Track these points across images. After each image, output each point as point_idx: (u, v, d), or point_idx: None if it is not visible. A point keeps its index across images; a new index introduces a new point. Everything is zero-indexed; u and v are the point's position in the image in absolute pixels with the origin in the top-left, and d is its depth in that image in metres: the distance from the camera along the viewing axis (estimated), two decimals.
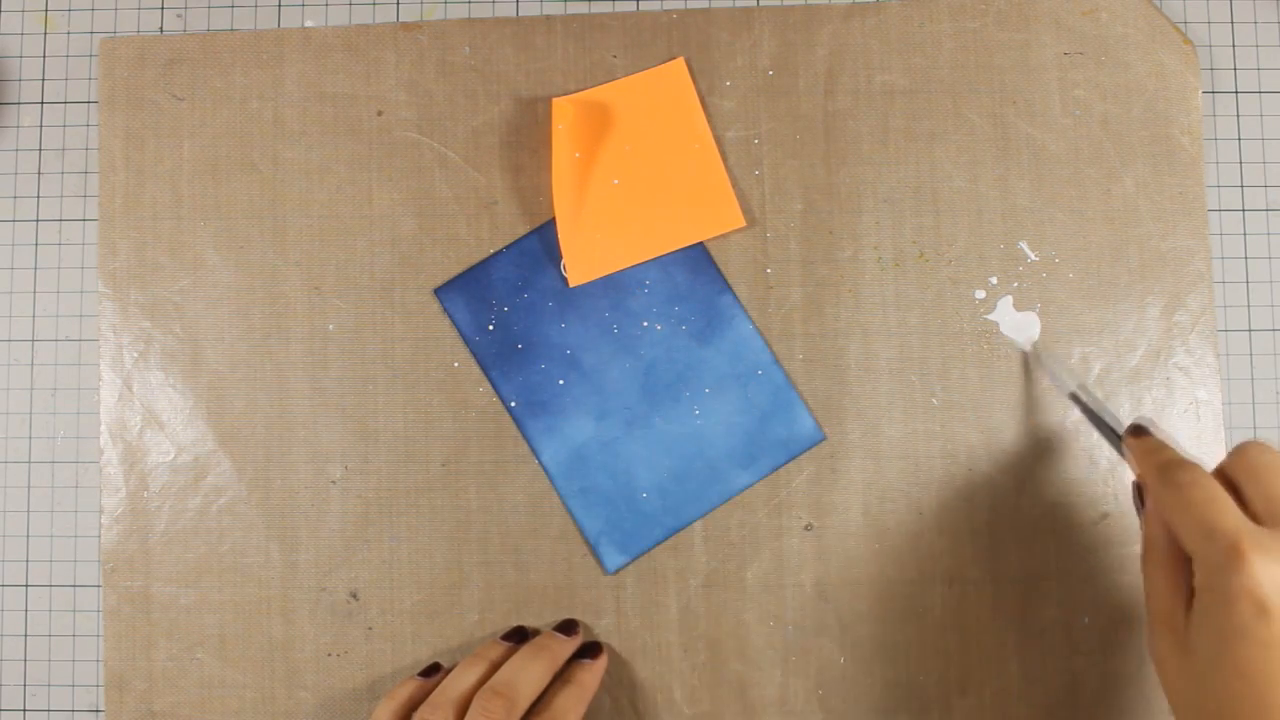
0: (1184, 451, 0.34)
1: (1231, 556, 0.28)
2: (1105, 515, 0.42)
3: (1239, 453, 0.32)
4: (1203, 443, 0.43)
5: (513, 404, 0.43)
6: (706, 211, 0.43)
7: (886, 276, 0.43)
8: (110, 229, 0.44)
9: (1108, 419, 0.39)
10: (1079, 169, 0.43)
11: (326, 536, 0.43)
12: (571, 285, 0.43)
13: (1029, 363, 0.42)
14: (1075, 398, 0.40)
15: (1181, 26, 0.45)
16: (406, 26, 0.45)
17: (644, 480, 0.43)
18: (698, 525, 0.43)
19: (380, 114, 0.44)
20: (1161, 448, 0.34)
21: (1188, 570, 0.31)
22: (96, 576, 0.44)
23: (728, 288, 0.43)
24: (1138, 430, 0.36)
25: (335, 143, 0.44)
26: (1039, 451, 0.43)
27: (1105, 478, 0.43)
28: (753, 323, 0.43)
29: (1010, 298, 0.43)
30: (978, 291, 0.43)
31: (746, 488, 0.43)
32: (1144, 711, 0.42)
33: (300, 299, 0.44)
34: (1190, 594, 0.30)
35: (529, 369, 0.43)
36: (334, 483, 0.43)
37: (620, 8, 0.45)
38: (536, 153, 0.44)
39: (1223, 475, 0.32)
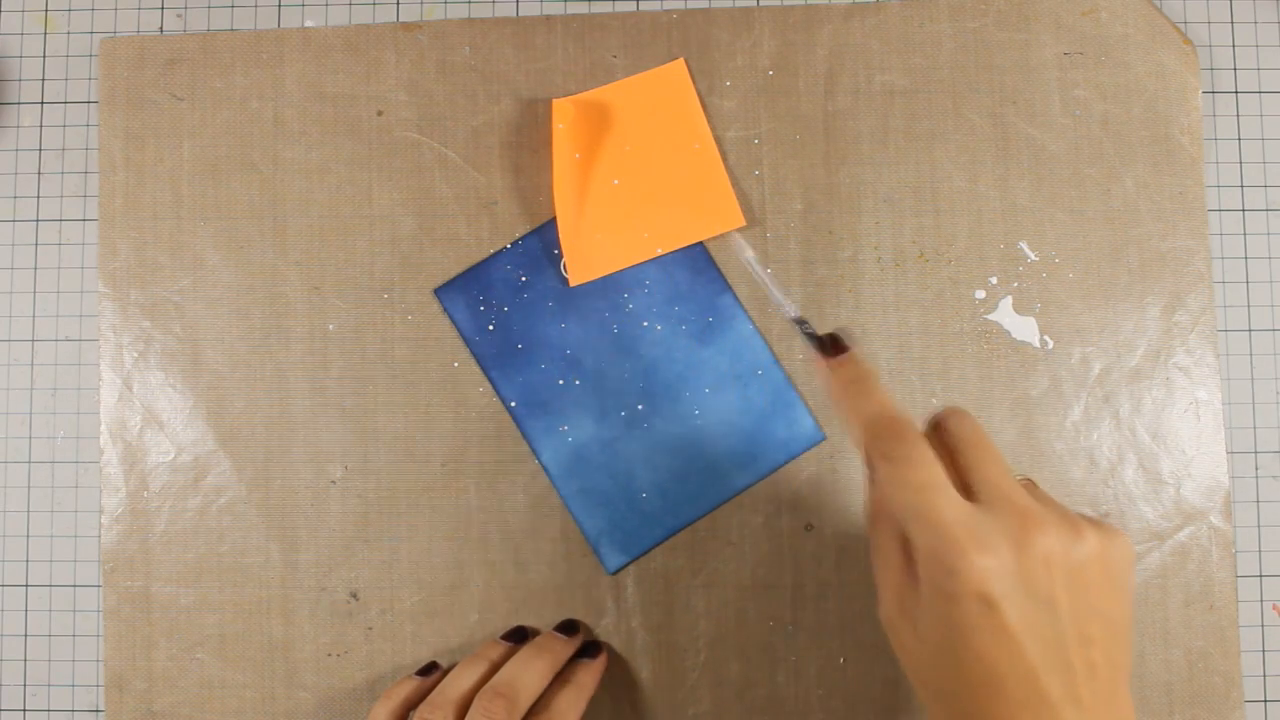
0: (880, 386, 0.31)
1: (953, 553, 0.27)
2: (1105, 515, 0.42)
3: (953, 418, 0.31)
4: (1202, 443, 0.43)
5: (513, 404, 0.43)
6: (706, 211, 0.43)
7: (886, 276, 0.43)
8: (110, 229, 0.44)
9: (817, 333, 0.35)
10: (1079, 169, 0.43)
11: (326, 536, 0.43)
12: (571, 285, 0.43)
13: (761, 279, 0.38)
14: (800, 322, 0.36)
15: (1181, 26, 0.45)
16: (406, 26, 0.45)
17: (644, 480, 0.43)
18: (698, 525, 0.43)
19: (380, 114, 0.44)
20: (867, 387, 0.31)
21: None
22: (96, 576, 0.44)
23: (728, 288, 0.43)
24: (834, 346, 0.32)
25: (335, 143, 0.44)
26: (1038, 451, 0.43)
27: (1105, 478, 0.43)
28: (753, 323, 0.43)
29: (1010, 298, 0.43)
30: (978, 291, 0.43)
31: (746, 488, 0.43)
32: (1143, 711, 0.42)
33: (300, 299, 0.44)
34: (916, 568, 0.29)
35: (529, 369, 0.43)
36: (334, 483, 0.43)
37: (620, 8, 0.45)
38: (536, 153, 0.44)
39: (936, 437, 0.31)
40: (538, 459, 0.43)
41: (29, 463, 0.44)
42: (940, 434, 0.31)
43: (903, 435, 0.29)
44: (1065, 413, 0.43)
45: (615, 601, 0.43)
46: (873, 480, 0.31)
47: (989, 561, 0.27)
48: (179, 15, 0.45)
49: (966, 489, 0.29)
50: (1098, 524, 0.29)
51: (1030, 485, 0.31)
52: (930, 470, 0.29)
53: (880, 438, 0.30)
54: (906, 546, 0.30)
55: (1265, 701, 0.43)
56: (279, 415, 0.43)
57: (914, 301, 0.43)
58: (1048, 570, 0.28)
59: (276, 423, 0.43)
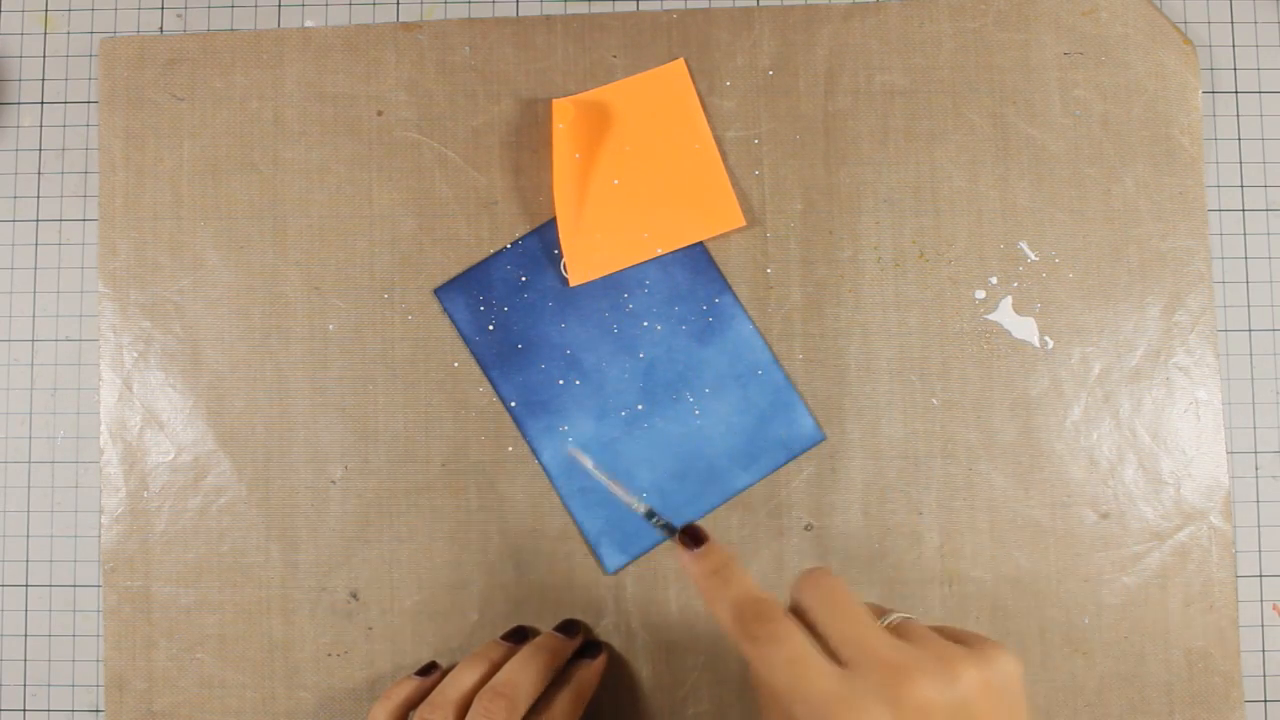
0: (741, 571, 0.31)
1: None
2: (1105, 515, 0.42)
3: (806, 584, 0.30)
4: (1202, 443, 0.43)
5: (513, 404, 0.43)
6: (706, 211, 0.43)
7: (886, 276, 0.43)
8: (110, 229, 0.44)
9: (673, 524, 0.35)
10: (1079, 169, 0.43)
11: (326, 536, 0.43)
12: (571, 285, 0.43)
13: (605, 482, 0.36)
14: (650, 515, 0.35)
15: (1181, 26, 0.45)
16: (406, 26, 0.45)
17: (644, 480, 0.43)
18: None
19: (380, 114, 0.44)
20: (727, 574, 0.31)
21: None
22: (96, 576, 0.44)
23: (728, 288, 0.43)
24: (693, 538, 0.32)
25: (335, 143, 0.44)
26: (1038, 451, 0.43)
27: (1105, 478, 0.43)
28: (753, 323, 0.43)
29: (1010, 298, 0.43)
30: (978, 291, 0.43)
31: (746, 488, 0.43)
32: (1142, 712, 0.42)
33: (300, 299, 0.44)
34: None
35: (529, 369, 0.43)
36: (334, 483, 0.43)
37: (620, 8, 0.45)
38: (536, 153, 0.44)
39: (797, 608, 0.30)
40: (538, 459, 0.43)
41: (29, 463, 0.44)
42: (797, 602, 0.30)
43: (765, 614, 0.29)
44: (1065, 413, 0.43)
45: (615, 601, 0.43)
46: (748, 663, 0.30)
47: None
48: (179, 15, 0.45)
49: (832, 653, 0.28)
50: (975, 650, 0.28)
51: (905, 625, 0.30)
52: (795, 644, 0.28)
53: (744, 620, 0.29)
54: None
55: (1265, 701, 0.43)
56: (279, 415, 0.43)
57: (914, 301, 0.43)
58: None
59: (276, 423, 0.43)
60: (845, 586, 0.30)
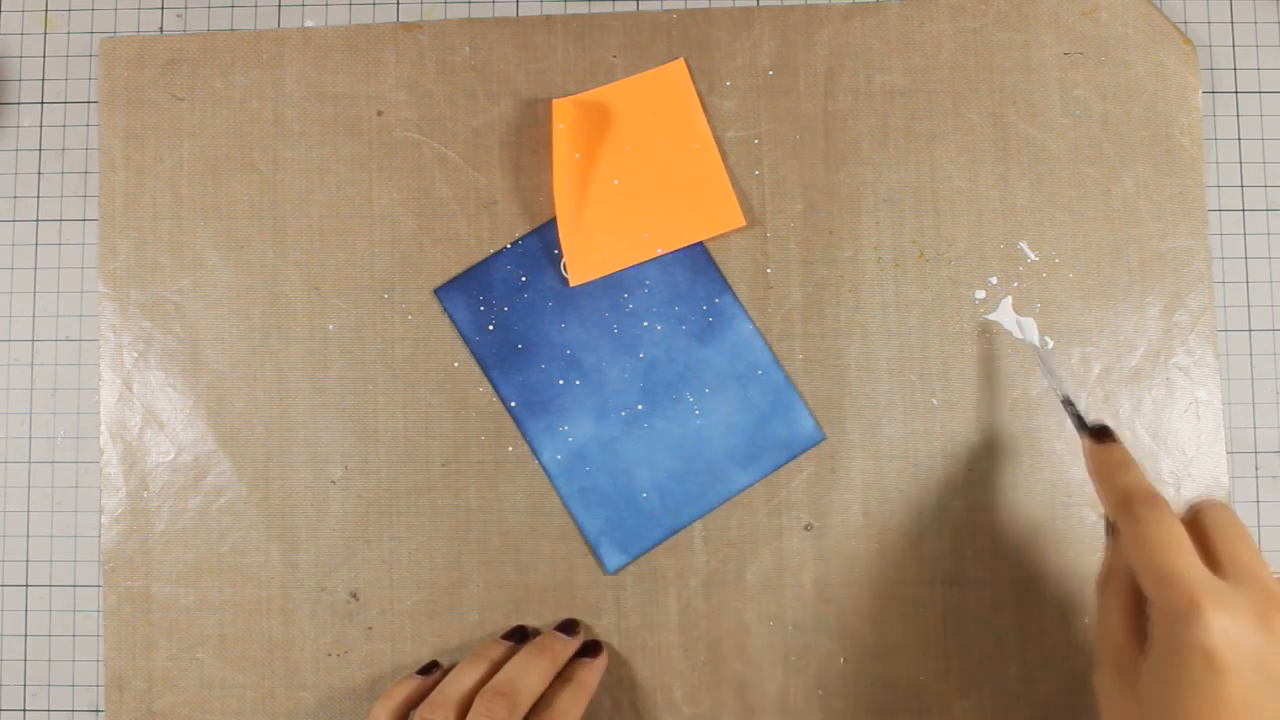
0: (1139, 468, 0.34)
1: (1188, 607, 0.28)
2: (1106, 515, 0.42)
3: (1215, 508, 0.32)
4: (1202, 443, 0.43)
5: (513, 404, 0.43)
6: (706, 211, 0.43)
7: (886, 276, 0.43)
8: (110, 229, 0.44)
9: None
10: (1079, 169, 0.44)
11: (326, 536, 0.43)
12: (571, 285, 0.43)
13: (1039, 357, 0.42)
14: (1067, 403, 0.39)
15: (1181, 26, 0.45)
16: (406, 26, 0.45)
17: (644, 480, 0.43)
18: (698, 525, 0.43)
19: (380, 114, 0.44)
20: (1127, 467, 0.34)
21: (1144, 610, 0.31)
22: (96, 576, 0.44)
23: (728, 288, 0.43)
24: (1102, 435, 0.35)
25: (335, 143, 0.44)
26: (1038, 452, 0.43)
27: None
28: (753, 323, 0.43)
29: (1010, 298, 0.43)
30: (978, 291, 0.43)
31: (746, 488, 0.43)
32: None
33: (300, 299, 0.44)
34: (1144, 635, 0.30)
35: (529, 369, 0.43)
36: (334, 483, 0.43)
37: (620, 8, 0.45)
38: (536, 153, 0.44)
39: (1189, 520, 0.32)
40: (538, 459, 0.43)
41: (29, 463, 0.44)
42: (1196, 519, 0.32)
43: (1153, 502, 0.31)
44: (1065, 413, 0.43)
45: (615, 601, 0.43)
46: (1115, 542, 0.32)
47: (1224, 622, 0.28)
48: (179, 15, 0.45)
49: (1216, 568, 0.30)
50: None
51: None
52: (1175, 532, 0.30)
53: (1131, 502, 0.31)
54: (1134, 610, 0.31)
55: None
56: (279, 415, 0.43)
57: (914, 301, 0.43)
58: None
59: (276, 423, 0.43)
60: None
